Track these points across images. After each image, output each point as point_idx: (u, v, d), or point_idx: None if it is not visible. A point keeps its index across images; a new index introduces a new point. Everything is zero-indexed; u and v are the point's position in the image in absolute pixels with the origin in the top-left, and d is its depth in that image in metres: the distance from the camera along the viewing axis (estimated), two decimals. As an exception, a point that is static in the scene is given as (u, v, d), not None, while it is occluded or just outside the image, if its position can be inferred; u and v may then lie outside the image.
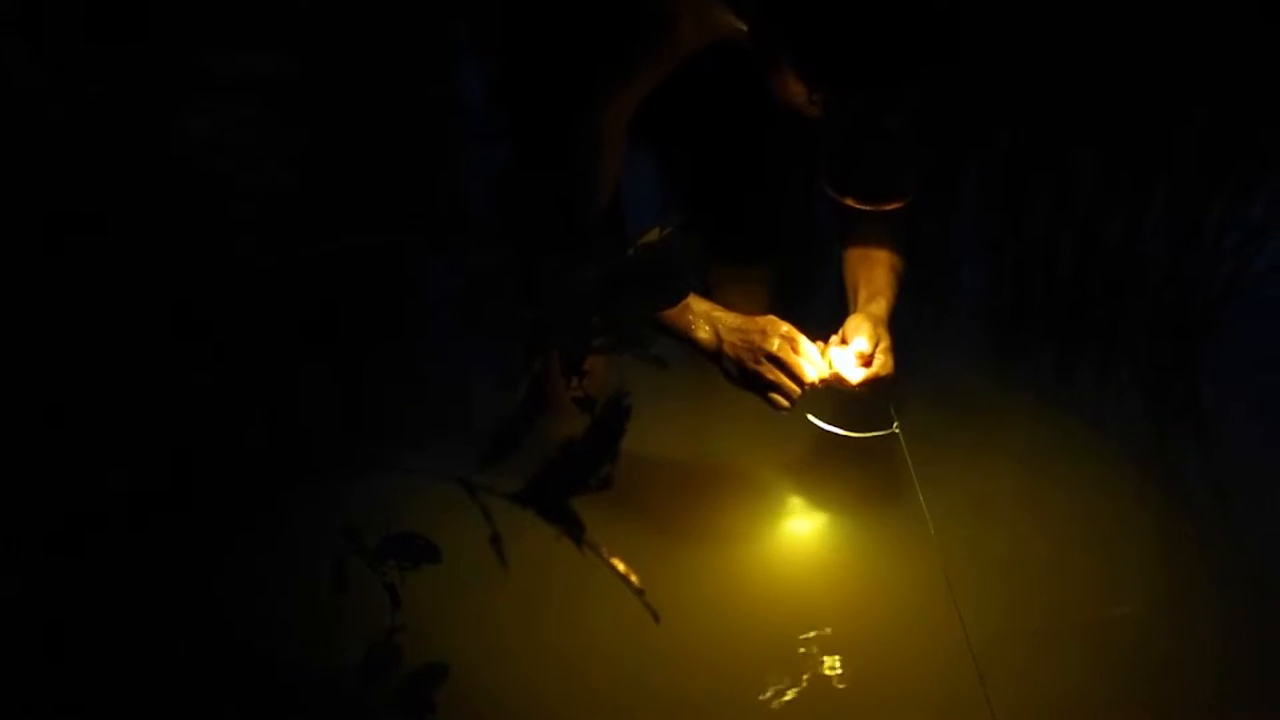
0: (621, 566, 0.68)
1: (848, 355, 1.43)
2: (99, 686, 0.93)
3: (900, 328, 1.54)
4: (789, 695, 1.40)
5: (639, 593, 0.68)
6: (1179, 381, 2.04)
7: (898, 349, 1.48)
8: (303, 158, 1.09)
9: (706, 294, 1.52)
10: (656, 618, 0.68)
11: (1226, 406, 1.97)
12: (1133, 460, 1.83)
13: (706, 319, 1.44)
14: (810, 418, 1.48)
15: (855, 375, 1.42)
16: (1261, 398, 1.95)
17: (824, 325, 1.50)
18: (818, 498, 1.76)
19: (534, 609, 1.46)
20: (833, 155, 1.31)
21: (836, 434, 1.49)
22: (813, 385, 1.43)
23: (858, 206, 1.34)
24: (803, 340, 1.42)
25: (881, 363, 1.43)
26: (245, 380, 0.95)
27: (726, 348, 1.43)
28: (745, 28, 1.28)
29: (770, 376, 1.41)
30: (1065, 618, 1.50)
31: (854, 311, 1.50)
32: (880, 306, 1.50)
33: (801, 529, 1.72)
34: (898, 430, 1.45)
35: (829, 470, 1.78)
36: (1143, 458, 1.85)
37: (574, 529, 0.68)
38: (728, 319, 1.44)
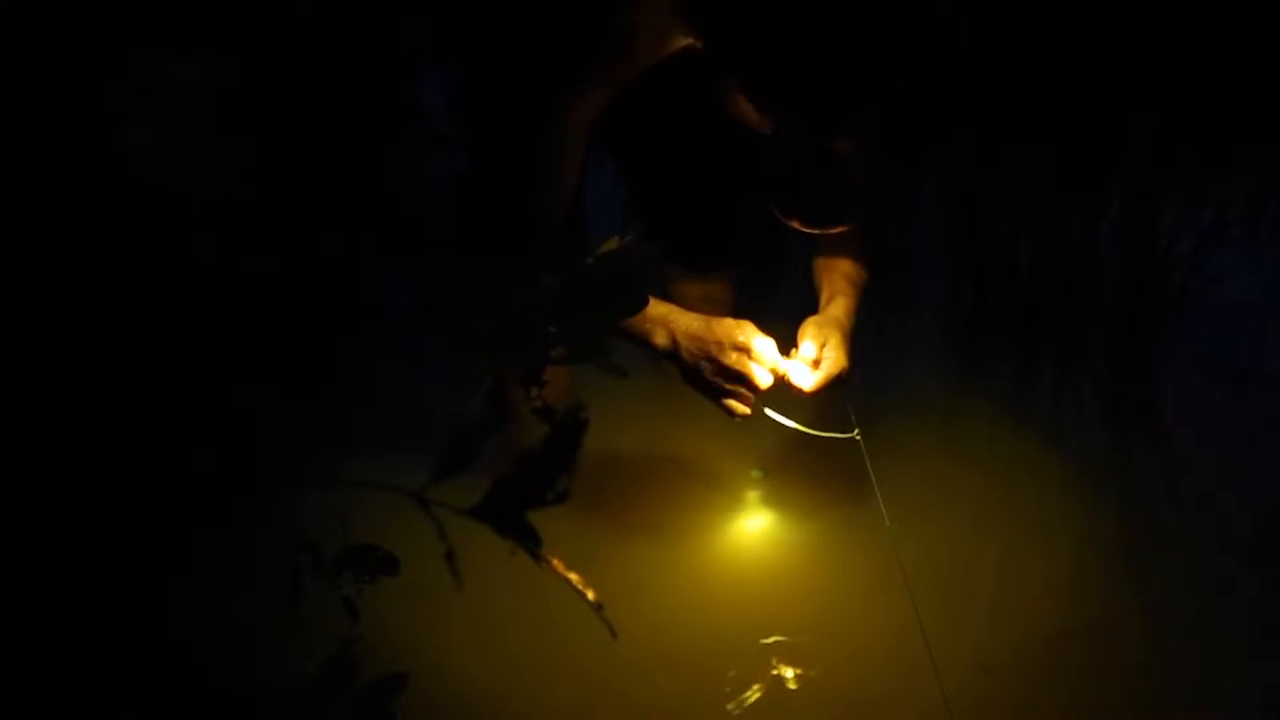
0: (578, 580, 0.67)
1: (798, 362, 1.44)
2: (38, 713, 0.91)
3: (862, 333, 1.55)
4: (751, 697, 1.40)
5: (596, 607, 0.68)
6: (1135, 386, 2.07)
7: (859, 352, 1.49)
8: (256, 165, 1.07)
9: (666, 298, 1.52)
10: (614, 633, 0.68)
11: (1182, 411, 2.00)
12: (1090, 466, 1.85)
13: (665, 323, 1.43)
14: (769, 412, 1.48)
15: (807, 382, 1.43)
16: (1216, 402, 1.99)
17: (785, 329, 1.50)
18: (779, 500, 1.76)
19: (495, 613, 1.45)
20: (779, 178, 1.32)
21: (795, 429, 1.49)
22: (770, 388, 1.43)
23: (803, 229, 1.35)
24: (759, 340, 1.42)
25: (831, 360, 1.43)
26: (193, 393, 0.93)
27: (684, 353, 1.42)
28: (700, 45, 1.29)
29: (727, 385, 1.41)
30: (1021, 624, 1.51)
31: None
32: (837, 308, 1.51)
33: (763, 531, 1.72)
34: (858, 436, 1.46)
35: (791, 472, 1.79)
36: (1100, 463, 1.87)
37: (531, 544, 0.67)
38: (686, 323, 1.43)
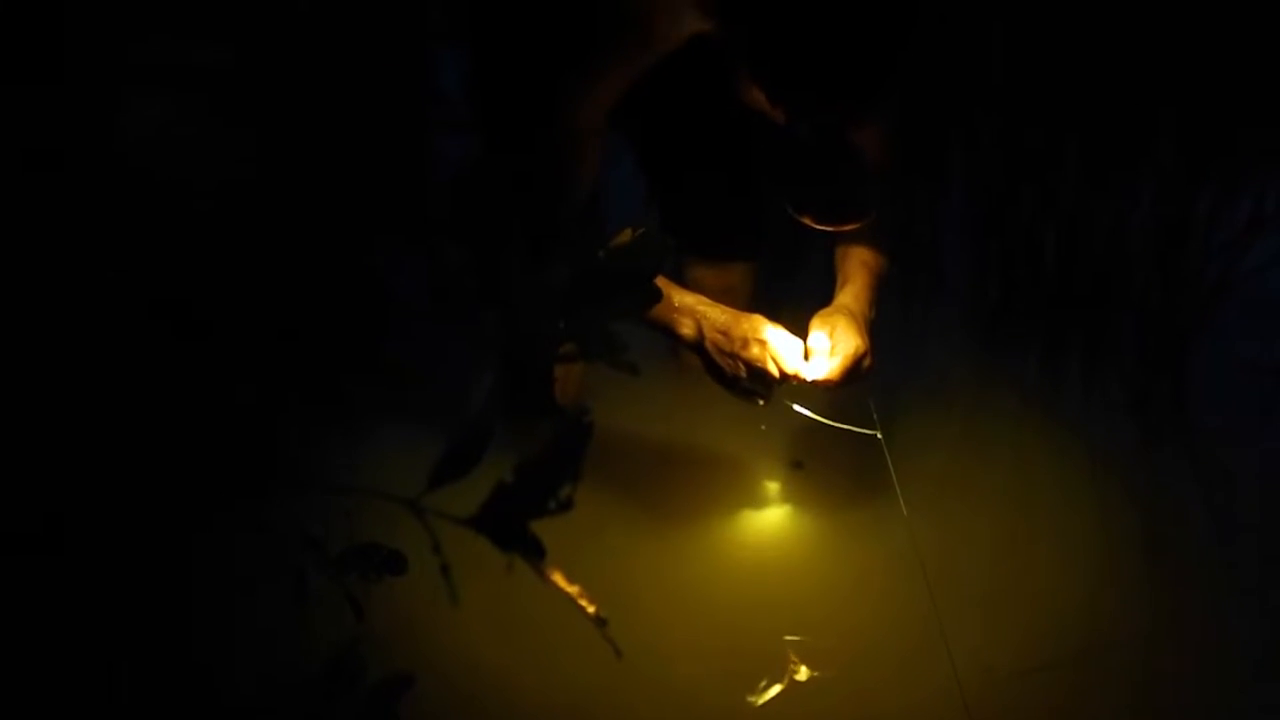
0: (579, 594, 0.64)
1: (816, 357, 1.41)
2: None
3: (887, 324, 1.52)
4: (769, 690, 1.39)
5: (600, 623, 0.64)
6: (1165, 382, 2.02)
7: (883, 344, 1.47)
8: (262, 152, 1.04)
9: (686, 288, 1.50)
10: (619, 653, 0.65)
11: (1215, 409, 1.94)
12: (1117, 464, 1.80)
13: (690, 314, 1.42)
14: (790, 403, 1.46)
15: (822, 372, 1.40)
16: (1249, 399, 1.94)
17: (805, 319, 1.47)
18: (802, 494, 1.73)
19: (513, 602, 1.42)
20: (790, 174, 1.30)
21: (817, 421, 1.46)
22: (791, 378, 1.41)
23: (815, 226, 1.33)
24: (783, 338, 1.40)
25: (844, 342, 1.41)
26: (199, 390, 0.91)
27: (709, 345, 1.41)
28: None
29: (748, 381, 1.40)
30: (1045, 631, 1.47)
31: None
32: (845, 295, 1.49)
33: (785, 524, 1.70)
34: (879, 435, 1.43)
35: (814, 467, 1.76)
36: (1127, 462, 1.83)
37: (533, 555, 0.64)
38: (712, 314, 1.42)
